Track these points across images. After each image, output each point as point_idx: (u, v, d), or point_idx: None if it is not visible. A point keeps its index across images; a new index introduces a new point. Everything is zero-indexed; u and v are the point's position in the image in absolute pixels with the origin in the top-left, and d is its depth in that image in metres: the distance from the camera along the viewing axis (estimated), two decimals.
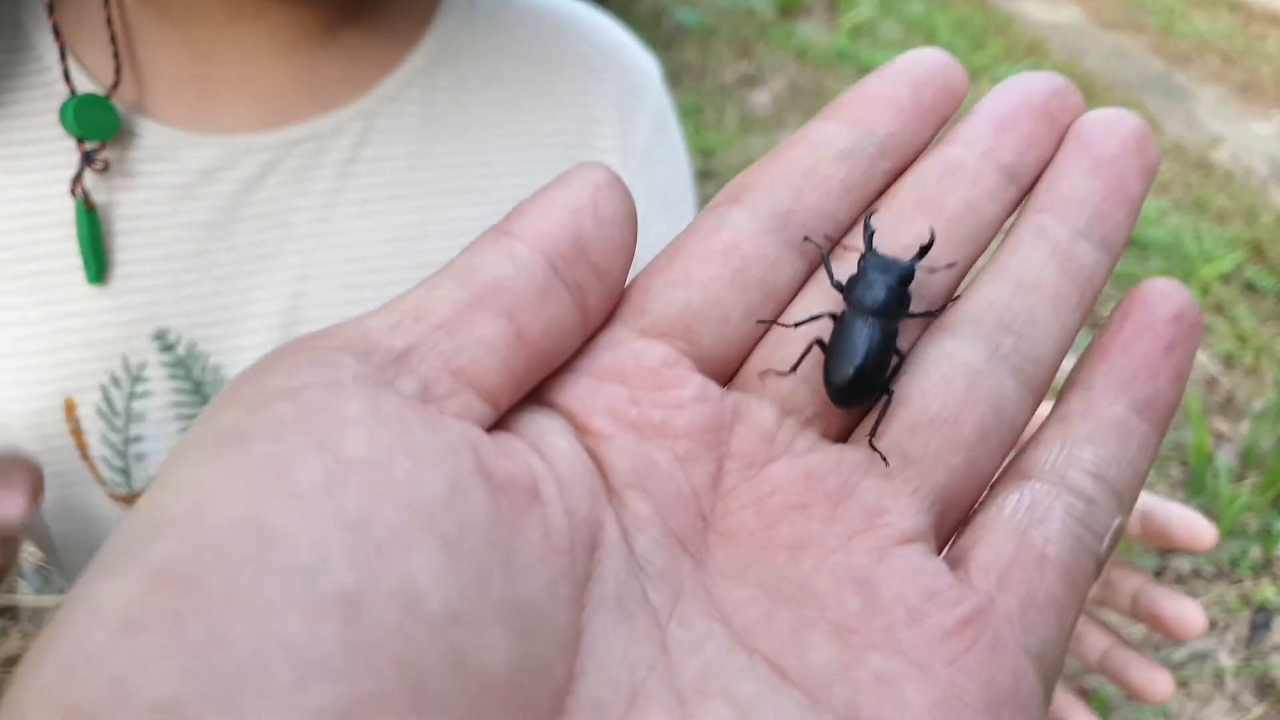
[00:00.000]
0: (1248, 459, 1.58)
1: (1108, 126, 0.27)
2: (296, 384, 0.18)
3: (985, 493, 0.24)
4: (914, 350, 0.25)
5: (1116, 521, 0.24)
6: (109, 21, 0.44)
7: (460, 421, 0.19)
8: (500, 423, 0.21)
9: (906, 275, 0.25)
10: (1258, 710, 1.19)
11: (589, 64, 0.54)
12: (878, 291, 0.25)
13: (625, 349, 0.23)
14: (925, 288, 0.26)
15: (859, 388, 0.24)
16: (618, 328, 0.24)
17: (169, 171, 0.44)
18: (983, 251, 0.26)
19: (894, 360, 0.25)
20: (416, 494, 0.17)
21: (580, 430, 0.22)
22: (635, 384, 0.23)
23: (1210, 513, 1.42)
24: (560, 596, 0.19)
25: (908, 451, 0.23)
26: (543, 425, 0.22)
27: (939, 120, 0.27)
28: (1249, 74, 3.08)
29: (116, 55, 0.43)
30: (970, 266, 0.26)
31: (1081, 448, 0.24)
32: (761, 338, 0.25)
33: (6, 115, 0.43)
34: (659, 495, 0.22)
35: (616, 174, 0.23)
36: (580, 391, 0.23)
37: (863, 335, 0.25)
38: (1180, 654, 1.28)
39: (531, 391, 0.22)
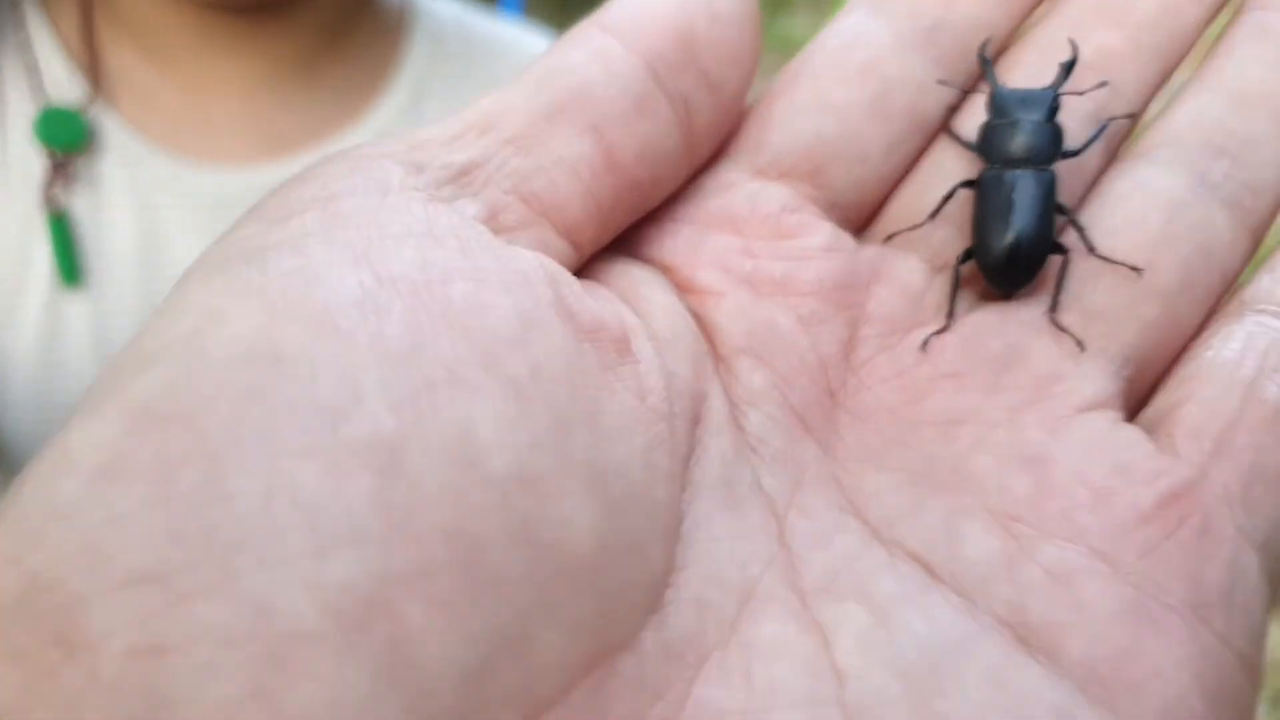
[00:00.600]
0: None
1: None
2: (331, 192, 0.15)
3: (1194, 336, 0.20)
4: (1099, 183, 0.21)
5: None
6: (88, 43, 0.45)
7: (534, 253, 0.16)
8: (583, 270, 0.18)
9: (1047, 107, 0.21)
10: None
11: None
12: (1015, 135, 0.21)
13: (739, 191, 0.20)
14: (1081, 115, 0.22)
15: (1017, 263, 0.20)
16: (729, 166, 0.20)
17: (165, 193, 0.45)
18: (1178, 64, 0.22)
19: (1057, 220, 0.21)
20: (479, 324, 0.14)
21: (683, 288, 0.19)
22: (751, 233, 0.19)
23: None
24: (658, 468, 0.16)
25: (1089, 305, 0.20)
26: (635, 277, 0.18)
27: None
28: None
29: (92, 71, 0.45)
30: (1162, 85, 0.22)
31: None
32: (904, 177, 0.21)
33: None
34: (778, 365, 0.19)
35: None
36: (681, 243, 0.19)
37: (1009, 196, 0.21)
38: None
39: (621, 242, 0.19)
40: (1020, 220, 0.21)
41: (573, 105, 0.17)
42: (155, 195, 0.44)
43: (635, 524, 0.15)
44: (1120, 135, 0.22)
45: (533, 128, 0.17)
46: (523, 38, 0.56)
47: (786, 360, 0.18)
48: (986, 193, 0.21)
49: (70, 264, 0.43)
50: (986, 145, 0.21)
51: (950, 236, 0.21)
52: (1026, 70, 0.22)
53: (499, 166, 0.17)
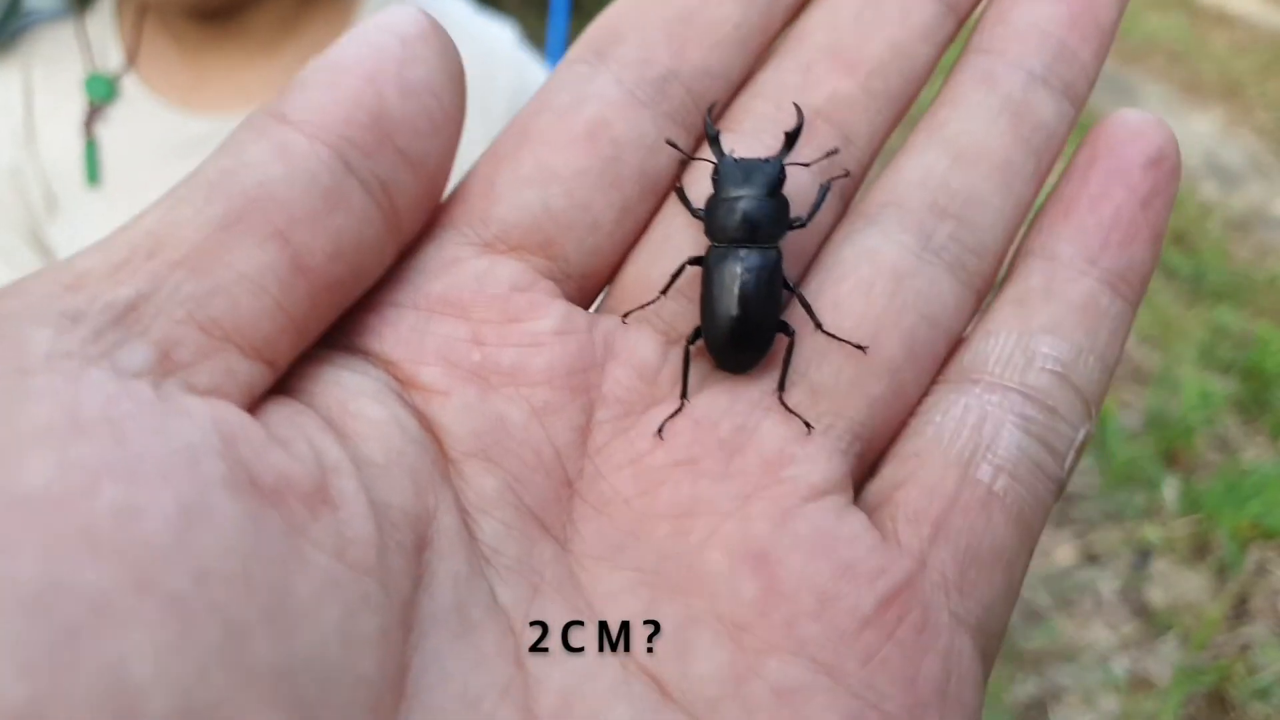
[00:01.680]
0: (1151, 421, 1.76)
1: None
2: None
3: (919, 402, 0.20)
4: (828, 248, 0.21)
5: (1083, 432, 0.20)
6: (129, 25, 0.63)
7: (208, 404, 0.15)
8: (284, 384, 0.17)
9: (772, 181, 0.21)
10: (1128, 628, 1.37)
11: (480, 68, 0.63)
12: (740, 214, 0.20)
13: (464, 270, 0.19)
14: (802, 184, 0.21)
15: (742, 347, 0.20)
16: (454, 238, 0.19)
17: (167, 131, 0.62)
18: (909, 107, 0.22)
19: (785, 296, 0.21)
20: (131, 537, 0.12)
21: (405, 384, 0.18)
22: (479, 316, 0.18)
23: (1103, 464, 1.60)
24: (362, 636, 0.14)
25: (816, 382, 0.20)
26: (348, 386, 0.17)
27: None
28: (1192, 73, 3.25)
29: (130, 48, 0.63)
30: (893, 128, 0.22)
31: (1041, 339, 0.20)
32: (637, 240, 0.21)
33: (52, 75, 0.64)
34: (510, 464, 0.18)
35: (430, 18, 0.18)
36: (404, 333, 0.18)
37: (733, 277, 0.20)
38: (1067, 583, 1.47)
39: (338, 331, 0.18)
40: (744, 302, 0.20)
41: (252, 212, 0.16)
42: (156, 132, 0.62)
43: (337, 713, 0.13)
44: (853, 184, 0.22)
45: (207, 244, 0.15)
46: (472, 19, 0.67)
47: (520, 457, 0.18)
48: (712, 273, 0.21)
49: (94, 170, 0.62)
50: (712, 223, 0.21)
51: (683, 310, 0.21)
52: (757, 122, 0.21)
53: (170, 295, 0.15)
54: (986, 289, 0.21)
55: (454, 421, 0.18)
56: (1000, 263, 0.21)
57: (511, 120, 0.20)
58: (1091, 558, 1.46)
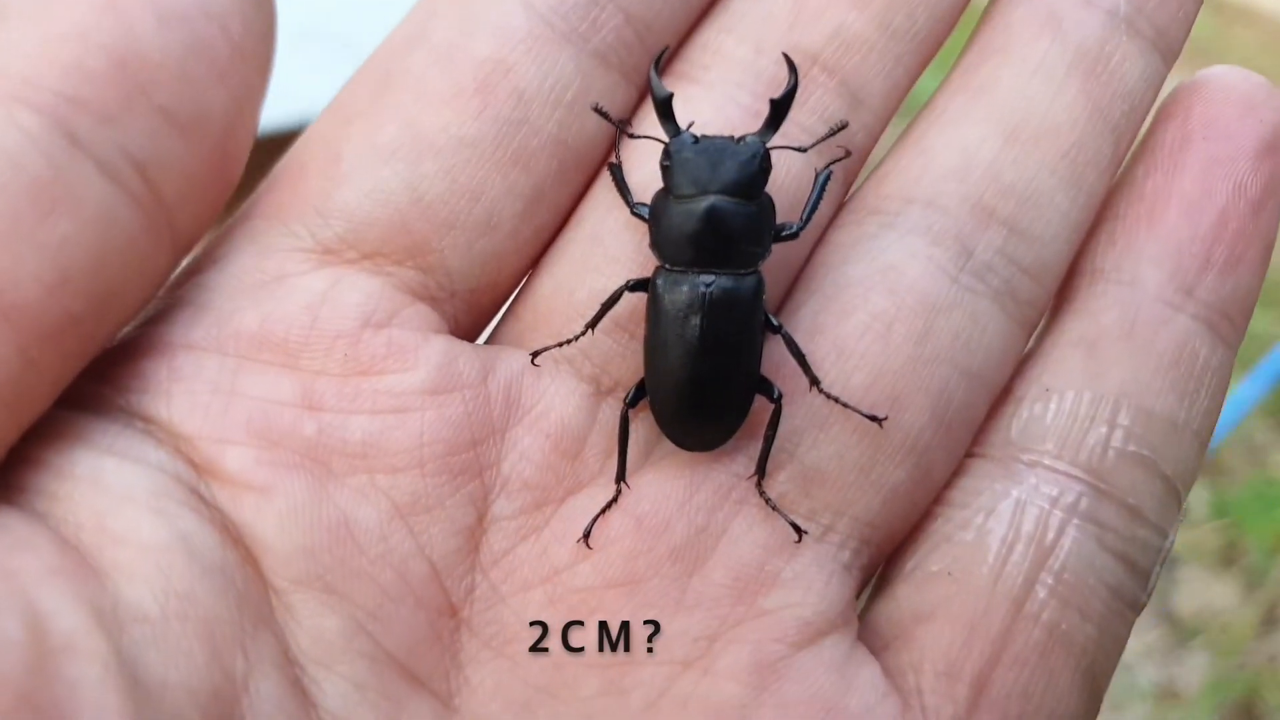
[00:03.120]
0: None
1: None
2: None
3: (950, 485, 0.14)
4: (823, 256, 0.14)
5: (1172, 535, 0.14)
6: None
7: None
8: (4, 479, 0.12)
9: (750, 175, 0.13)
10: (1153, 635, 1.36)
11: None
12: (700, 226, 0.14)
13: (292, 291, 0.12)
14: (792, 170, 0.13)
15: (704, 415, 0.14)
16: (276, 243, 0.13)
17: None
18: (937, 52, 0.15)
19: (767, 338, 0.14)
20: None
21: (203, 473, 0.12)
22: (313, 366, 0.12)
23: None
24: None
25: (811, 465, 0.13)
26: (109, 483, 0.11)
27: None
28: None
29: None
30: (910, 89, 0.15)
31: (1121, 406, 0.14)
32: (550, 245, 0.14)
33: None
34: (363, 592, 0.12)
35: None
36: (200, 390, 0.12)
37: (693, 314, 0.14)
38: None
39: (101, 385, 0.12)
40: (706, 354, 0.14)
41: None
42: None
43: None
44: (859, 160, 0.15)
45: None
46: None
47: (376, 581, 0.12)
48: (660, 308, 0.14)
49: None
50: (661, 236, 0.14)
51: (620, 348, 0.14)
52: (727, 71, 0.14)
53: None
54: (1039, 318, 0.15)
55: (277, 532, 0.12)
56: (1060, 279, 0.15)
57: (369, 56, 0.13)
58: None
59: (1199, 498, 1.51)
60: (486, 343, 0.15)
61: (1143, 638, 1.35)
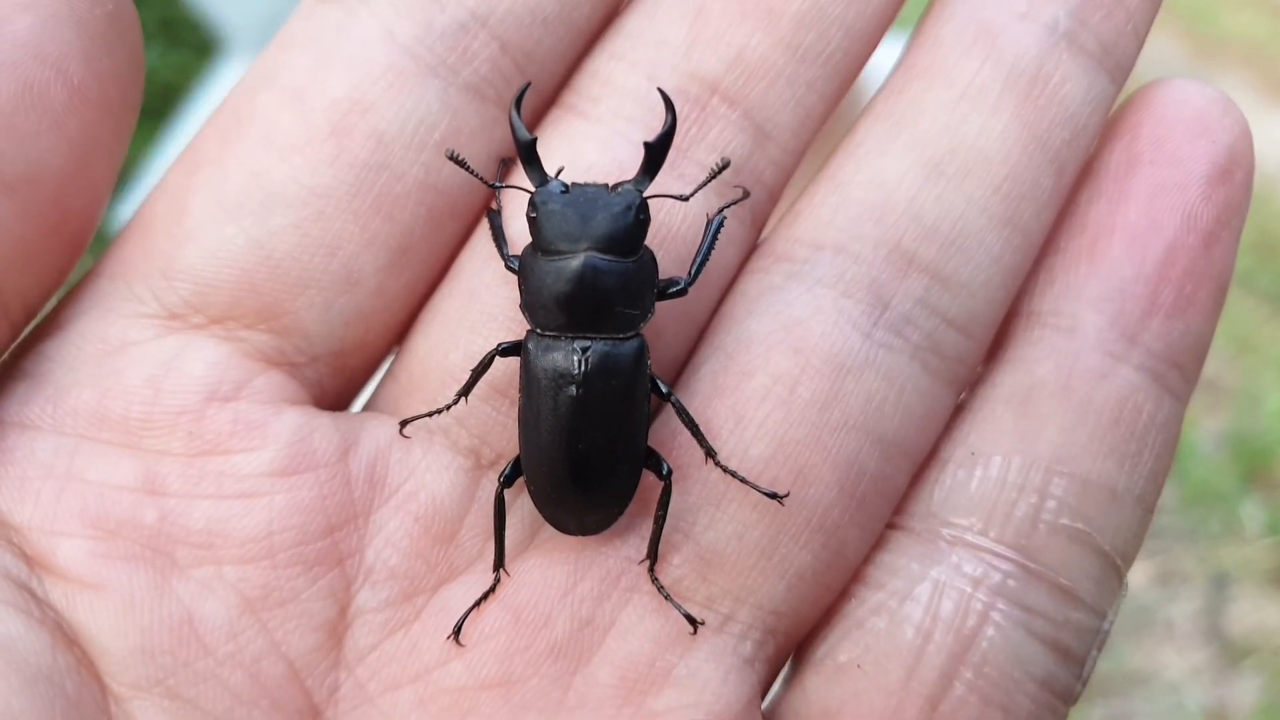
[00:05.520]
0: (1230, 440, 1.69)
1: None
2: None
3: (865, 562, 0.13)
4: (727, 307, 0.13)
5: (1111, 615, 0.13)
6: None
7: None
8: None
9: (625, 227, 0.12)
10: (1201, 655, 1.31)
11: None
12: (569, 288, 0.12)
13: (134, 362, 0.12)
14: (686, 213, 0.12)
15: (584, 496, 0.13)
16: (118, 308, 0.12)
17: None
18: (855, 78, 0.14)
19: (655, 405, 0.12)
20: None
21: (34, 567, 0.11)
22: (155, 445, 0.12)
23: (1179, 479, 1.54)
24: None
25: (707, 546, 0.13)
26: None
27: None
28: (1276, 68, 3.13)
29: None
30: (824, 121, 0.14)
31: (1054, 473, 0.12)
32: (429, 295, 0.13)
33: None
34: (211, 696, 0.11)
35: None
36: (32, 474, 0.12)
37: (565, 386, 0.13)
38: (1135, 606, 1.41)
39: None
40: (582, 428, 0.12)
41: None
42: None
43: None
44: (769, 200, 0.13)
45: None
46: None
47: (225, 685, 0.11)
48: (532, 377, 0.13)
49: None
50: (529, 297, 0.13)
51: (499, 416, 0.13)
52: (618, 103, 0.13)
53: None
54: (969, 377, 0.13)
55: (112, 633, 0.11)
56: (993, 333, 0.13)
57: (224, 98, 0.11)
58: (1164, 580, 1.41)
59: (1251, 514, 1.46)
60: (365, 407, 0.13)
61: (1190, 658, 1.30)
